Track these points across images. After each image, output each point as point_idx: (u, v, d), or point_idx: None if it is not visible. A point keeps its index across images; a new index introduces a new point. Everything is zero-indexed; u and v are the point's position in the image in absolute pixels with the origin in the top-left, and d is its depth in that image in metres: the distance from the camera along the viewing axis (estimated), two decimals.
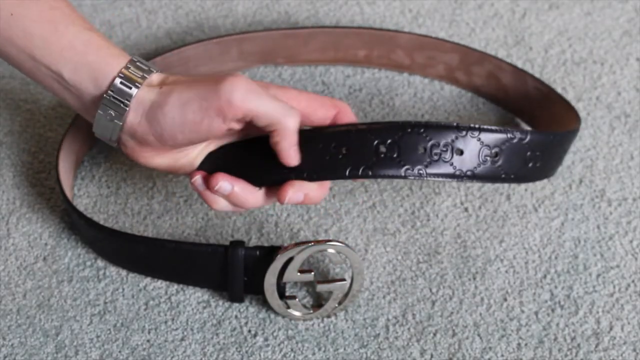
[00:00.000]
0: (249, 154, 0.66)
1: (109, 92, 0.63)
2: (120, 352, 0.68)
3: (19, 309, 0.70)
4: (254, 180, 0.65)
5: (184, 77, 0.64)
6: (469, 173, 0.64)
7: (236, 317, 0.70)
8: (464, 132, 0.64)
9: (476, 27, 0.93)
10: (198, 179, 0.65)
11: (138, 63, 0.64)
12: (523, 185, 0.79)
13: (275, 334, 0.70)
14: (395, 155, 0.63)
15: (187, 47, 0.84)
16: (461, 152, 0.64)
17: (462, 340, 0.70)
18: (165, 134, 0.63)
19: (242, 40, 0.86)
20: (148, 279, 0.72)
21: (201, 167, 0.67)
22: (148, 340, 0.69)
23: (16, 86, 0.85)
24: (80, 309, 0.70)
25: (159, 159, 0.66)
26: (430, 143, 0.64)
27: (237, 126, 0.64)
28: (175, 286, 0.72)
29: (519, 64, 0.89)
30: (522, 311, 0.71)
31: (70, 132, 0.77)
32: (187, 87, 0.63)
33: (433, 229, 0.76)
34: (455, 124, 0.64)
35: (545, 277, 0.74)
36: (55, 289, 0.71)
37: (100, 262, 0.73)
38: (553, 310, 0.71)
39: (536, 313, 0.71)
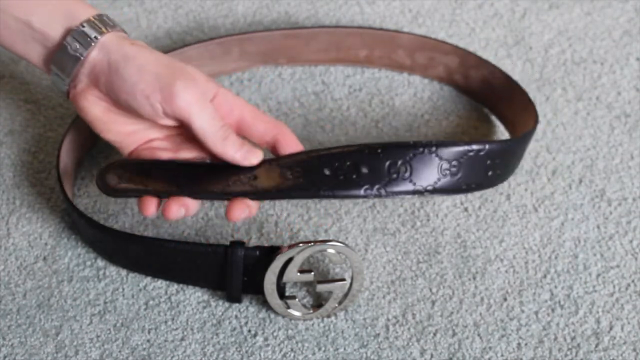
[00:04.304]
0: (195, 170, 0.68)
1: (82, 25, 0.67)
2: (120, 352, 0.68)
3: (19, 309, 0.70)
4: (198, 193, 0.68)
5: (152, 49, 0.68)
6: (429, 188, 0.66)
7: (236, 317, 0.70)
8: (420, 149, 0.65)
9: (476, 27, 0.93)
10: (153, 211, 0.68)
11: (107, 18, 0.69)
12: (523, 185, 0.79)
13: (275, 333, 0.70)
14: (354, 177, 0.65)
15: (188, 47, 0.84)
16: (420, 169, 0.65)
17: (462, 340, 0.70)
18: (114, 85, 0.66)
19: (244, 40, 0.86)
20: (148, 279, 0.72)
21: (129, 164, 0.69)
22: (148, 340, 0.69)
23: (16, 86, 0.85)
24: (80, 308, 0.70)
25: (97, 109, 0.68)
26: (387, 162, 0.65)
27: (171, 122, 0.67)
28: (175, 286, 0.72)
29: (519, 64, 0.89)
30: (522, 311, 0.71)
31: (70, 132, 0.77)
32: (155, 60, 0.67)
33: (433, 228, 0.76)
34: (411, 142, 0.65)
35: (545, 277, 0.74)
36: (55, 288, 0.71)
37: (100, 262, 0.73)
38: (553, 310, 0.71)
39: (536, 313, 0.71)
